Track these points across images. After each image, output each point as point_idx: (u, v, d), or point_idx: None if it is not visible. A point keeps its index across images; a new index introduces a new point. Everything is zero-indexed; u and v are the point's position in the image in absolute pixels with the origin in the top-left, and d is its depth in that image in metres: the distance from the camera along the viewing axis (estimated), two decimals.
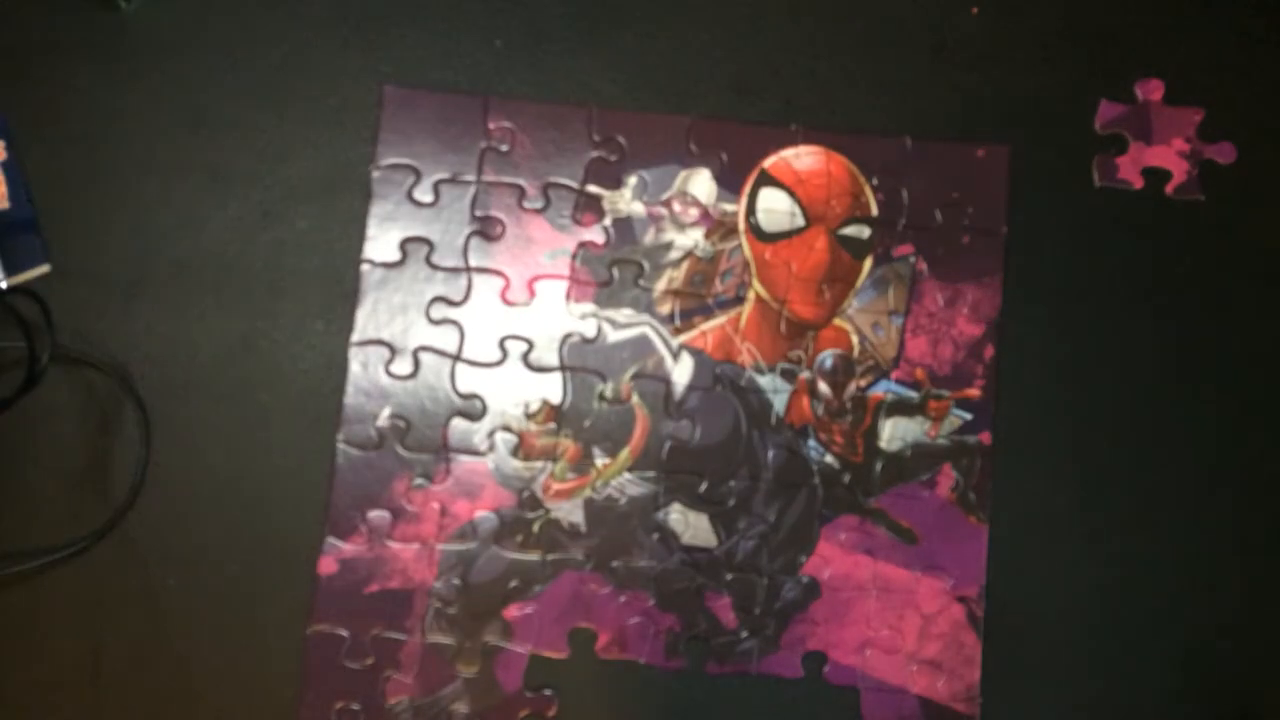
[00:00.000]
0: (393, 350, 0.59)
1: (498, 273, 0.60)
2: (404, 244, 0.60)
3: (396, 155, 0.61)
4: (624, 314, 0.60)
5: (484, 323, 0.60)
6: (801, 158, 0.61)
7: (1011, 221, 0.61)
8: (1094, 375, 0.61)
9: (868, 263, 0.61)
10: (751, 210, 0.61)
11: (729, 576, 0.58)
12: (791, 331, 0.60)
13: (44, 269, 0.59)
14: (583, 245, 0.61)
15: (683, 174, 0.61)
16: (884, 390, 0.60)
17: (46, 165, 0.60)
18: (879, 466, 0.60)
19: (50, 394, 0.58)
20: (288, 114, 0.61)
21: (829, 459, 0.60)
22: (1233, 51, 0.64)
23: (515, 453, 0.59)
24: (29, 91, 0.60)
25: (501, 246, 0.60)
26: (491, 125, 0.61)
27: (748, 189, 0.61)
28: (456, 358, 0.60)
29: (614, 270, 0.60)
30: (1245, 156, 0.63)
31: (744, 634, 0.58)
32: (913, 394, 0.60)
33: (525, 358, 0.60)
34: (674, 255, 0.61)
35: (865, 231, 0.61)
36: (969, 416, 0.60)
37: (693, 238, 0.61)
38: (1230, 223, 0.63)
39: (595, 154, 0.61)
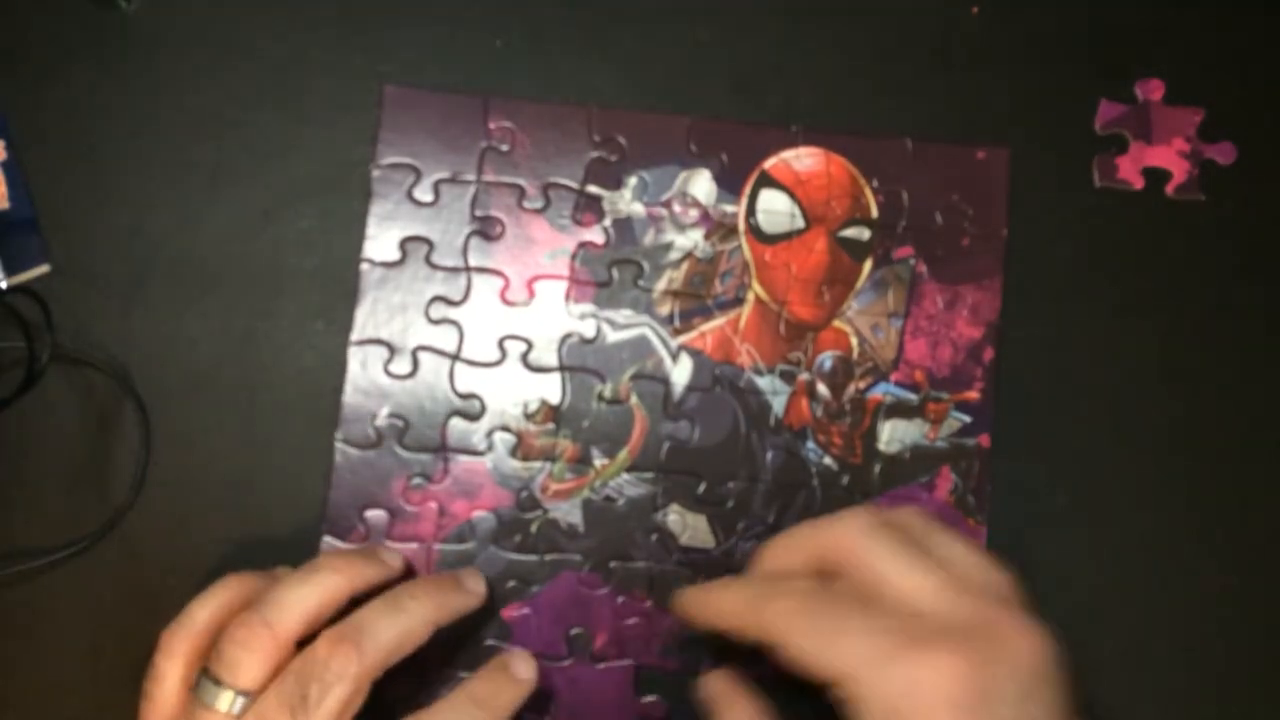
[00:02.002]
0: (392, 350, 0.59)
1: (497, 273, 0.60)
2: (404, 243, 0.60)
3: (396, 155, 0.61)
4: (623, 314, 0.60)
5: (483, 322, 0.60)
6: (801, 159, 0.61)
7: (1011, 223, 0.61)
8: (1094, 377, 0.61)
9: (867, 265, 0.61)
10: (751, 211, 0.61)
11: (727, 578, 0.59)
12: (791, 333, 0.60)
13: (44, 269, 0.59)
14: (583, 245, 0.61)
15: (683, 174, 0.61)
16: (883, 392, 0.60)
17: (46, 165, 0.60)
18: (878, 468, 0.60)
19: (50, 394, 0.58)
20: (288, 114, 0.61)
21: (828, 461, 0.60)
22: (1233, 51, 0.64)
23: (514, 453, 0.59)
24: (29, 91, 0.60)
25: (501, 246, 0.60)
26: (491, 125, 0.61)
27: (748, 190, 0.61)
28: (455, 357, 0.60)
29: (614, 271, 0.60)
30: (1245, 156, 0.63)
31: None
32: (912, 396, 0.60)
33: (524, 358, 0.60)
34: (674, 256, 0.61)
35: (865, 233, 0.61)
36: (968, 419, 0.60)
37: (692, 239, 0.61)
38: (1230, 223, 0.63)
39: (595, 154, 0.61)
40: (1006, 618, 0.47)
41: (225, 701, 0.48)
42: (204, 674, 0.49)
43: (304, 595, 0.51)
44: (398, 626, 0.51)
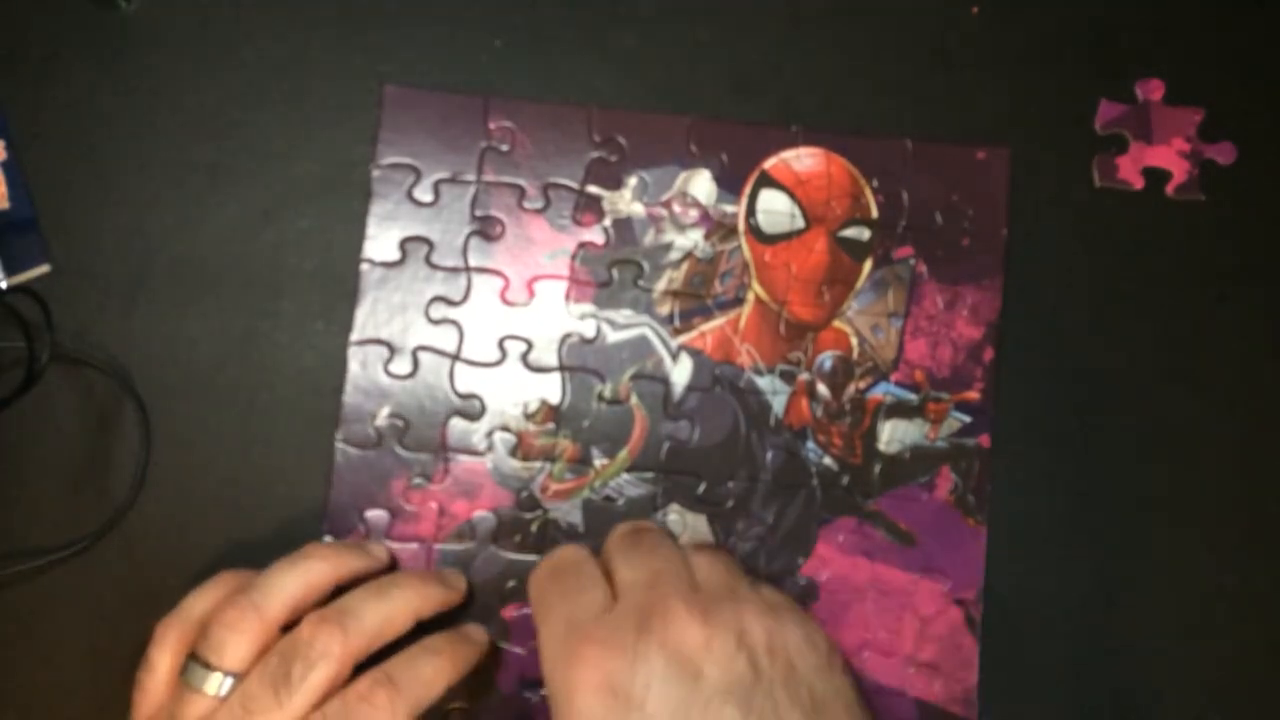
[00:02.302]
0: (392, 349, 0.59)
1: (497, 273, 0.60)
2: (404, 243, 0.60)
3: (396, 155, 0.61)
4: (623, 314, 0.60)
5: (483, 322, 0.60)
6: (802, 159, 0.61)
7: (1011, 223, 0.61)
8: (1094, 377, 0.61)
9: (867, 265, 0.61)
10: (751, 211, 0.61)
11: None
12: (791, 333, 0.60)
13: (44, 269, 0.59)
14: (582, 246, 0.61)
15: (683, 175, 0.61)
16: (883, 392, 0.60)
17: (46, 165, 0.60)
18: (878, 468, 0.60)
19: (50, 394, 0.58)
20: (288, 114, 0.61)
21: (827, 461, 0.60)
22: (1233, 51, 0.64)
23: (514, 453, 0.59)
24: (29, 91, 0.60)
25: (501, 246, 0.60)
26: (492, 125, 0.61)
27: (748, 190, 0.61)
28: (455, 357, 0.60)
29: (614, 271, 0.60)
30: (1245, 156, 0.63)
31: None
32: (912, 396, 0.60)
33: (524, 358, 0.60)
34: (674, 256, 0.61)
35: (865, 233, 0.61)
36: (968, 419, 0.60)
37: (692, 239, 0.61)
38: (1230, 223, 0.63)
39: (595, 154, 0.61)
40: (672, 607, 0.48)
41: (213, 684, 0.49)
42: (192, 658, 0.50)
43: (290, 580, 0.51)
44: (381, 611, 0.51)
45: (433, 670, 0.52)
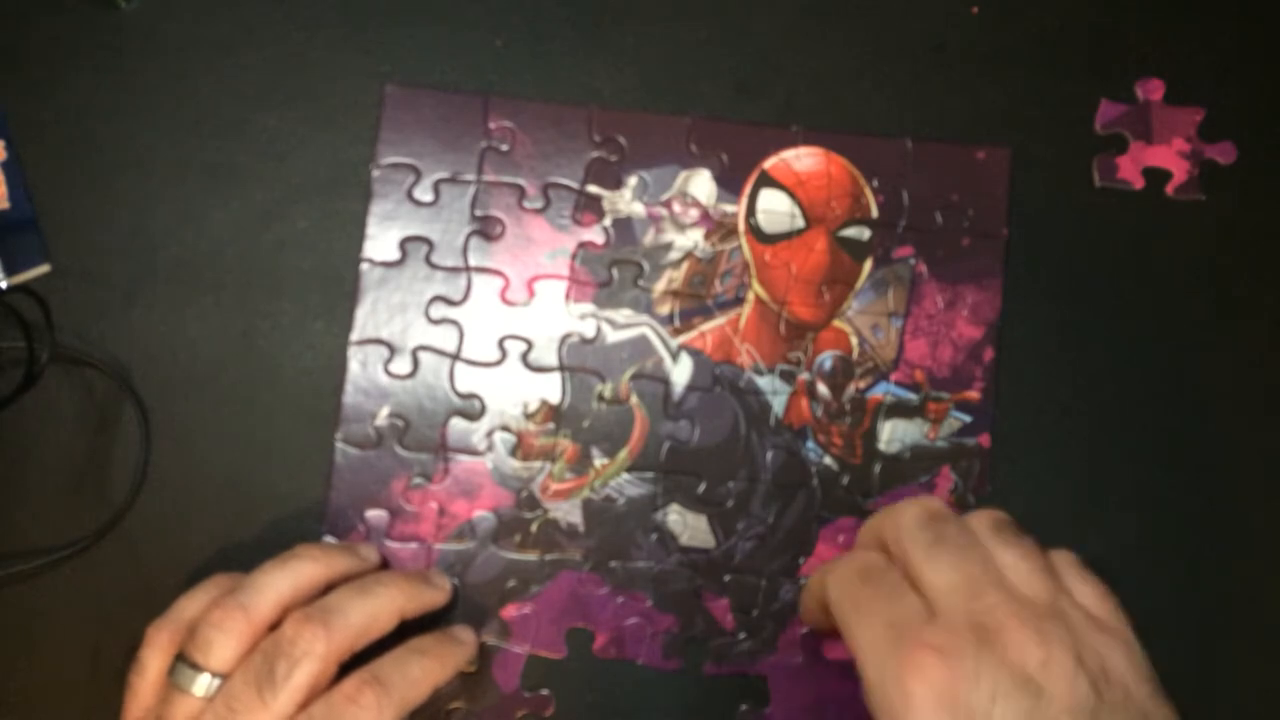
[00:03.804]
0: (392, 349, 0.59)
1: (497, 272, 0.60)
2: (404, 243, 0.60)
3: (396, 154, 0.61)
4: (623, 314, 0.60)
5: (483, 322, 0.60)
6: (802, 159, 0.61)
7: (1011, 223, 0.61)
8: (1094, 377, 0.61)
9: (867, 264, 0.61)
10: (751, 211, 0.61)
11: (727, 578, 0.59)
12: (791, 333, 0.60)
13: (44, 269, 0.59)
14: (582, 245, 0.61)
15: (683, 174, 0.61)
16: (883, 392, 0.60)
17: (46, 165, 0.60)
18: (878, 468, 0.60)
19: (50, 394, 0.58)
20: (288, 114, 0.61)
21: (828, 460, 0.60)
22: (1233, 51, 0.64)
23: (514, 453, 0.59)
24: (29, 91, 0.60)
25: (501, 246, 0.60)
26: (492, 125, 0.61)
27: (748, 190, 0.61)
28: (455, 357, 0.60)
29: (614, 271, 0.60)
30: (1245, 156, 0.63)
31: (742, 635, 0.58)
32: (912, 396, 0.60)
33: (524, 357, 0.60)
34: (674, 256, 0.61)
35: (865, 233, 0.61)
36: (968, 419, 0.60)
37: (692, 238, 0.61)
38: (1230, 223, 0.63)
39: (595, 154, 0.61)
40: (1005, 623, 0.45)
41: (200, 685, 0.49)
42: (179, 659, 0.49)
43: (278, 580, 0.51)
44: (365, 609, 0.51)
45: (420, 670, 0.51)
